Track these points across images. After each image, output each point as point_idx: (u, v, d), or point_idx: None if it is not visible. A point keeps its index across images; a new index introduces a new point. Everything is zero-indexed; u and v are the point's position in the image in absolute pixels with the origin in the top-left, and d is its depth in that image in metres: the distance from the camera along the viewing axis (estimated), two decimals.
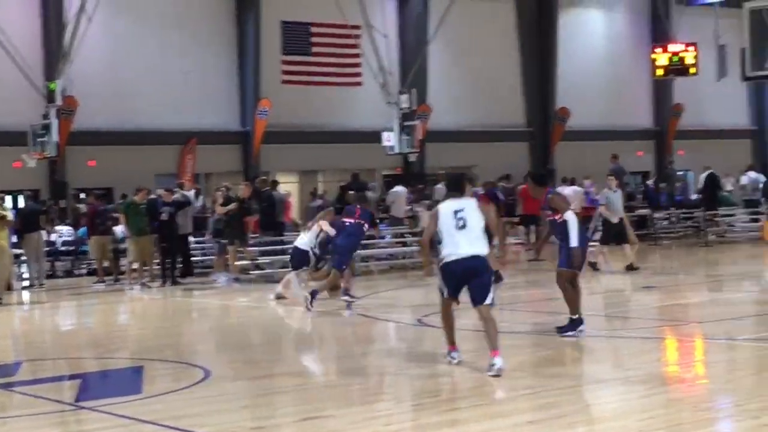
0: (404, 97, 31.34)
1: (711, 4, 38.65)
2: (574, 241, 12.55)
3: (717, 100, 41.84)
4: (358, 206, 17.73)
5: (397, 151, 31.61)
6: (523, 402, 9.56)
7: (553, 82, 39.50)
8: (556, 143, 39.28)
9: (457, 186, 11.19)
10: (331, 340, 14.68)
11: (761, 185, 32.97)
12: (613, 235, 21.78)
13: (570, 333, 12.83)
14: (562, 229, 12.68)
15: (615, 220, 21.67)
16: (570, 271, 12.87)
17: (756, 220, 31.29)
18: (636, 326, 13.21)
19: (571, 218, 12.58)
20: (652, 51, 38.73)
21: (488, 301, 10.72)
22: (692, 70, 37.45)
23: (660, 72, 38.17)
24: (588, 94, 39.81)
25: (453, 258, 10.67)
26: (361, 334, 15.07)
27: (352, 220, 17.39)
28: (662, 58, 37.80)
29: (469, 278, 10.72)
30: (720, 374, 10.94)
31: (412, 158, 33.44)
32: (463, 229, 10.69)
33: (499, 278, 17.80)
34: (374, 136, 31.65)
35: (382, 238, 25.34)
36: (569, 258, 12.72)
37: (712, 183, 33.20)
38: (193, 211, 24.80)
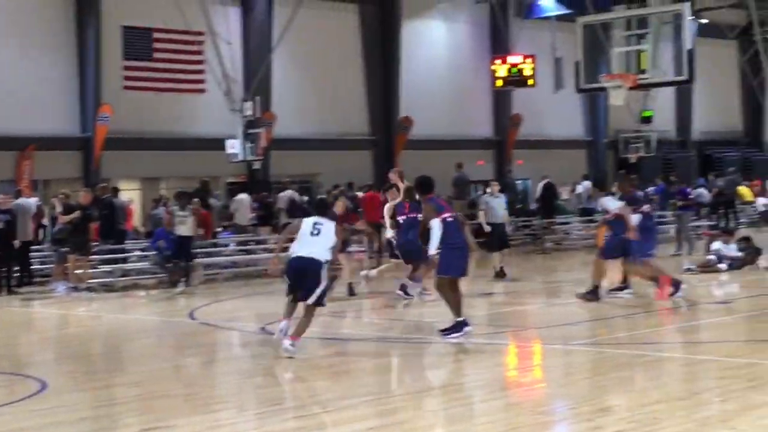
0: (248, 105, 31.14)
1: (548, 18, 39.67)
2: (432, 249, 13.26)
3: (554, 111, 42.93)
4: (407, 201, 17.89)
5: (241, 158, 31.41)
6: (364, 408, 9.66)
7: (397, 91, 39.85)
8: (400, 152, 39.63)
9: (321, 208, 13.57)
10: (173, 349, 14.52)
11: None
12: (497, 241, 22.09)
13: (455, 335, 13.12)
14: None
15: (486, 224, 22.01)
16: (448, 276, 13.21)
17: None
18: (476, 332, 13.47)
19: (435, 226, 13.19)
20: (491, 62, 39.56)
21: (310, 301, 12.30)
22: (530, 82, 38.44)
23: (500, 83, 39.03)
24: (431, 103, 40.26)
25: (295, 255, 12.52)
26: (204, 342, 14.96)
27: (404, 216, 17.76)
28: (502, 70, 38.68)
29: (302, 276, 12.36)
30: (556, 378, 11.28)
31: (257, 166, 33.27)
32: (315, 236, 12.49)
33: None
34: (218, 144, 31.38)
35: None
36: (445, 264, 13.28)
37: (549, 192, 34.11)
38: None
